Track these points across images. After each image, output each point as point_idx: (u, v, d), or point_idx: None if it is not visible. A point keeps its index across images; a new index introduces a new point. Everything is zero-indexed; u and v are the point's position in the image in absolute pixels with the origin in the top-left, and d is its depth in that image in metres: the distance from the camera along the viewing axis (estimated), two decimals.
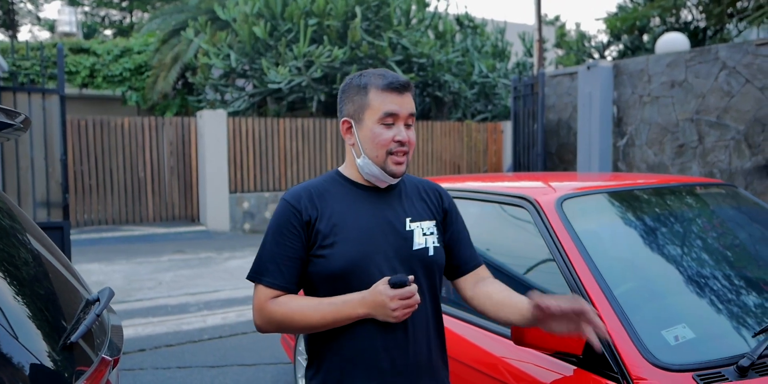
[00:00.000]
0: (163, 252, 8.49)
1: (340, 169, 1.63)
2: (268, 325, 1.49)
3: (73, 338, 1.20)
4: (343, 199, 1.54)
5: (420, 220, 1.57)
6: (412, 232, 1.54)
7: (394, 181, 1.55)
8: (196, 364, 4.15)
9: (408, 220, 1.56)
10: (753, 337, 1.81)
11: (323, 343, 1.52)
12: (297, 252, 1.49)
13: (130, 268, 7.38)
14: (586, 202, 2.37)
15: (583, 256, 1.99)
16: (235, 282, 6.60)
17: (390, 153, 1.50)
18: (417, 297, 1.40)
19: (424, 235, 1.56)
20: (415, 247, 1.53)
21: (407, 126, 1.53)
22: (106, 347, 1.39)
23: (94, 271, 7.20)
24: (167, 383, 3.80)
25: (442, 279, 1.64)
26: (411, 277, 1.41)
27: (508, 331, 1.95)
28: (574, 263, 1.97)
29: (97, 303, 1.45)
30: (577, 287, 1.91)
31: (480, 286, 1.66)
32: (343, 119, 1.56)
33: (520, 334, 1.71)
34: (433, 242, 1.57)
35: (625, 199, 2.50)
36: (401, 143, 1.50)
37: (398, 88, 1.50)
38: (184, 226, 10.18)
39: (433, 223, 1.60)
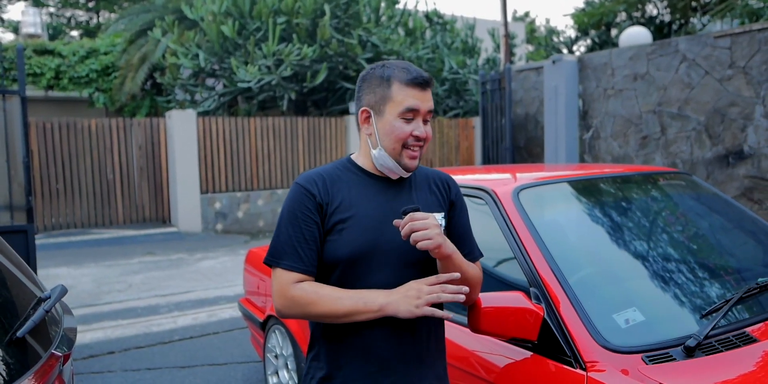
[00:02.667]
0: (133, 254, 8.39)
1: (352, 157, 1.63)
2: (289, 309, 1.48)
3: (19, 333, 1.19)
4: (355, 187, 1.55)
5: (429, 212, 1.56)
6: None
7: (407, 175, 1.57)
8: (166, 365, 4.12)
9: None
10: (701, 318, 1.87)
11: (326, 329, 1.53)
12: (313, 234, 1.49)
13: (100, 272, 7.28)
14: (543, 192, 2.42)
15: (539, 244, 2.03)
16: (207, 282, 6.56)
17: (405, 146, 1.52)
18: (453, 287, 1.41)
19: None
20: None
21: (425, 121, 1.54)
22: (56, 343, 1.39)
23: (63, 275, 7.09)
24: None
25: None
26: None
27: None
28: (530, 252, 2.01)
29: (49, 300, 1.44)
30: (532, 275, 1.95)
31: None
32: (362, 108, 1.57)
33: (475, 322, 1.74)
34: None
35: (581, 188, 2.55)
36: (418, 138, 1.51)
37: (422, 83, 1.51)
38: (155, 228, 10.07)
39: (442, 214, 1.61)
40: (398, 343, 1.51)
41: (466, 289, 1.41)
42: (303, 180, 1.55)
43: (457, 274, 1.41)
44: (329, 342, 1.54)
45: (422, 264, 1.54)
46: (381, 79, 1.54)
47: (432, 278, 1.42)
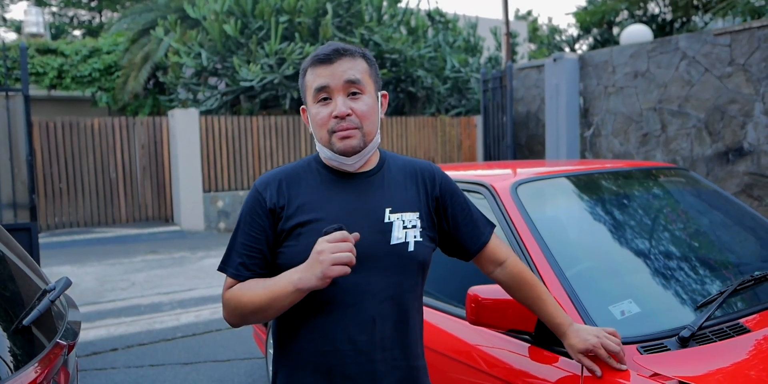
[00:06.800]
0: (136, 253, 8.43)
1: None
2: (228, 315, 1.38)
3: (25, 322, 1.22)
4: (317, 186, 1.40)
5: (401, 211, 1.41)
6: (390, 224, 1.38)
7: (350, 161, 1.38)
8: (169, 361, 4.15)
9: (388, 210, 1.40)
10: (696, 309, 1.89)
11: (287, 343, 1.42)
12: (260, 242, 1.37)
13: (102, 270, 7.32)
14: (542, 187, 2.44)
15: (536, 238, 2.05)
16: (209, 280, 6.59)
17: (333, 132, 1.35)
18: (350, 246, 1.23)
19: (404, 228, 1.39)
20: (393, 241, 1.38)
21: (353, 95, 1.35)
22: (61, 333, 1.42)
23: (66, 273, 7.13)
24: (139, 381, 3.80)
25: (425, 276, 1.49)
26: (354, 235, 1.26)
27: None
28: (528, 245, 2.03)
29: (53, 291, 1.47)
30: (530, 268, 1.97)
31: (505, 276, 1.60)
32: (301, 108, 1.48)
33: (475, 315, 1.76)
34: (415, 236, 1.40)
35: (579, 183, 2.57)
36: (339, 117, 1.33)
37: (324, 59, 1.35)
38: (158, 227, 10.11)
39: (416, 215, 1.43)
40: (367, 360, 1.36)
41: (350, 247, 1.22)
42: (259, 182, 1.43)
43: (357, 235, 1.26)
44: (290, 356, 1.41)
45: (395, 268, 1.38)
46: (302, 73, 1.42)
47: (337, 234, 1.23)
